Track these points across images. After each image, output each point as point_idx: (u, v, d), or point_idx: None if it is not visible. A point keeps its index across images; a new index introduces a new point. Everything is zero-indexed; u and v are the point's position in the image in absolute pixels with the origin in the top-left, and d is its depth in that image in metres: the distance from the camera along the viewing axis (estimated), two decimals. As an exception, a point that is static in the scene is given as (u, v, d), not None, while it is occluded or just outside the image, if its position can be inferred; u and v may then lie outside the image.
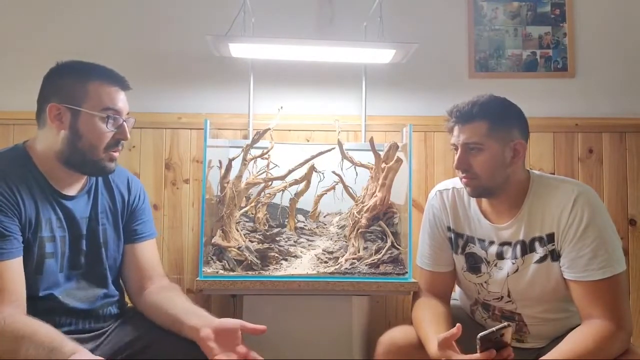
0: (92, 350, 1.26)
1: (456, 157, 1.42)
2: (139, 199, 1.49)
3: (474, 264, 1.50)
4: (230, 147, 1.94)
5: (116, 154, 1.35)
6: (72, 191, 1.36)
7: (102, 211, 1.41)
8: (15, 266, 1.21)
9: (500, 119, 1.40)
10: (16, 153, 1.32)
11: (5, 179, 1.25)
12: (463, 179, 1.43)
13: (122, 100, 1.33)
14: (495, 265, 1.46)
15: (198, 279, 1.58)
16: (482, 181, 1.40)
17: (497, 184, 1.40)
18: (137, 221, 1.47)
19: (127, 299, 1.49)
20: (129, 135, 1.35)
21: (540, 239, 1.40)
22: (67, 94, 1.29)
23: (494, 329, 1.18)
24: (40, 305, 1.25)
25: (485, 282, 1.48)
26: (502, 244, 1.45)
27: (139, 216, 1.48)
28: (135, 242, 1.46)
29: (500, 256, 1.45)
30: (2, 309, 1.15)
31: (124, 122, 1.34)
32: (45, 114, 1.29)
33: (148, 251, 1.48)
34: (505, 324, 1.20)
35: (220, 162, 1.79)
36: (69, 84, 1.30)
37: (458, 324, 1.23)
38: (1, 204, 1.22)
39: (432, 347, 1.29)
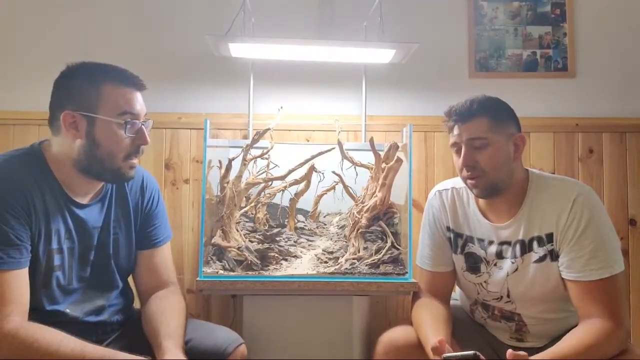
0: None
1: (460, 155, 1.40)
2: (153, 201, 1.44)
3: (474, 263, 1.50)
4: (230, 147, 1.94)
5: (136, 162, 1.28)
6: (85, 199, 1.29)
7: (115, 219, 1.35)
8: (24, 276, 1.15)
9: (499, 114, 1.41)
10: (32, 157, 1.25)
11: (19, 185, 1.18)
12: (469, 180, 1.41)
13: (139, 102, 1.26)
14: (495, 264, 1.46)
15: (198, 279, 1.58)
16: (489, 177, 1.38)
17: (503, 179, 1.39)
18: (151, 226, 1.43)
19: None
20: (148, 140, 1.27)
21: (539, 239, 1.40)
22: (81, 100, 1.21)
23: (459, 354, 1.18)
24: (47, 318, 1.18)
25: (485, 282, 1.48)
26: (502, 244, 1.45)
27: (153, 220, 1.44)
28: (149, 247, 1.42)
29: (499, 255, 1.45)
30: (13, 319, 1.10)
31: (142, 126, 1.26)
32: (59, 122, 1.21)
33: (162, 257, 1.44)
34: (472, 352, 1.17)
35: (220, 162, 1.79)
36: (82, 88, 1.22)
37: (441, 338, 1.23)
38: (15, 212, 1.15)
39: (431, 349, 1.29)
